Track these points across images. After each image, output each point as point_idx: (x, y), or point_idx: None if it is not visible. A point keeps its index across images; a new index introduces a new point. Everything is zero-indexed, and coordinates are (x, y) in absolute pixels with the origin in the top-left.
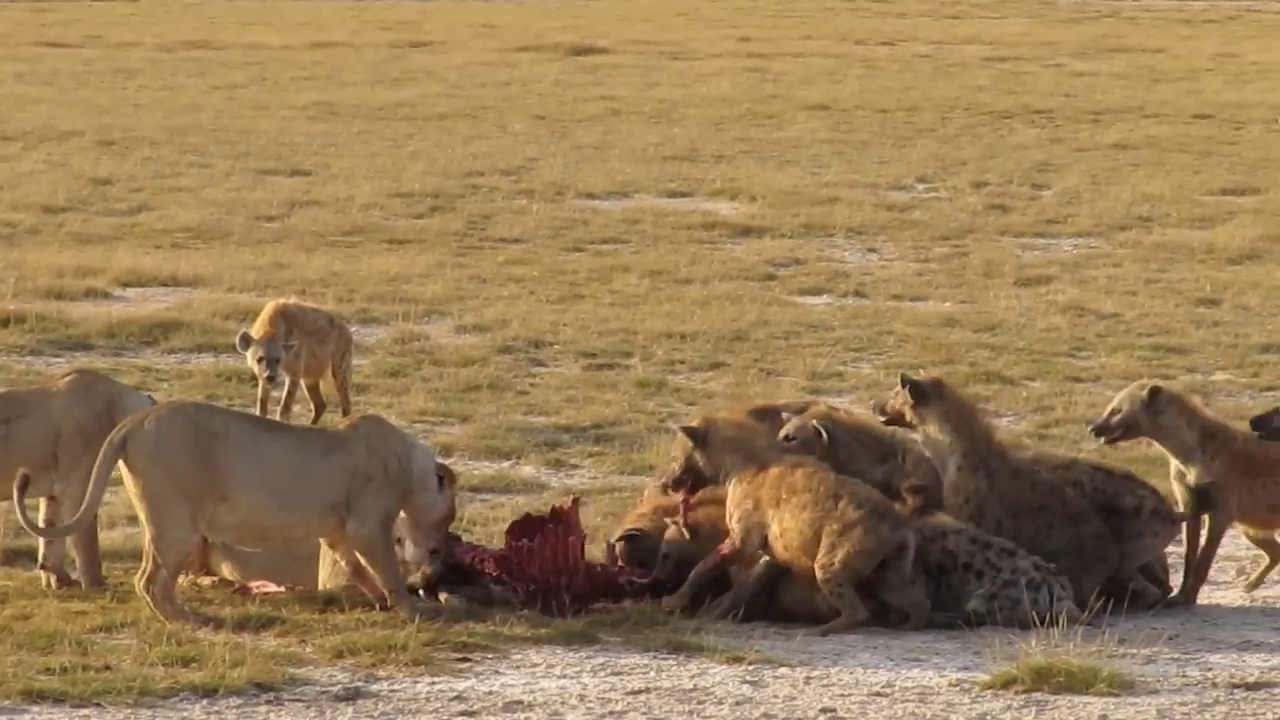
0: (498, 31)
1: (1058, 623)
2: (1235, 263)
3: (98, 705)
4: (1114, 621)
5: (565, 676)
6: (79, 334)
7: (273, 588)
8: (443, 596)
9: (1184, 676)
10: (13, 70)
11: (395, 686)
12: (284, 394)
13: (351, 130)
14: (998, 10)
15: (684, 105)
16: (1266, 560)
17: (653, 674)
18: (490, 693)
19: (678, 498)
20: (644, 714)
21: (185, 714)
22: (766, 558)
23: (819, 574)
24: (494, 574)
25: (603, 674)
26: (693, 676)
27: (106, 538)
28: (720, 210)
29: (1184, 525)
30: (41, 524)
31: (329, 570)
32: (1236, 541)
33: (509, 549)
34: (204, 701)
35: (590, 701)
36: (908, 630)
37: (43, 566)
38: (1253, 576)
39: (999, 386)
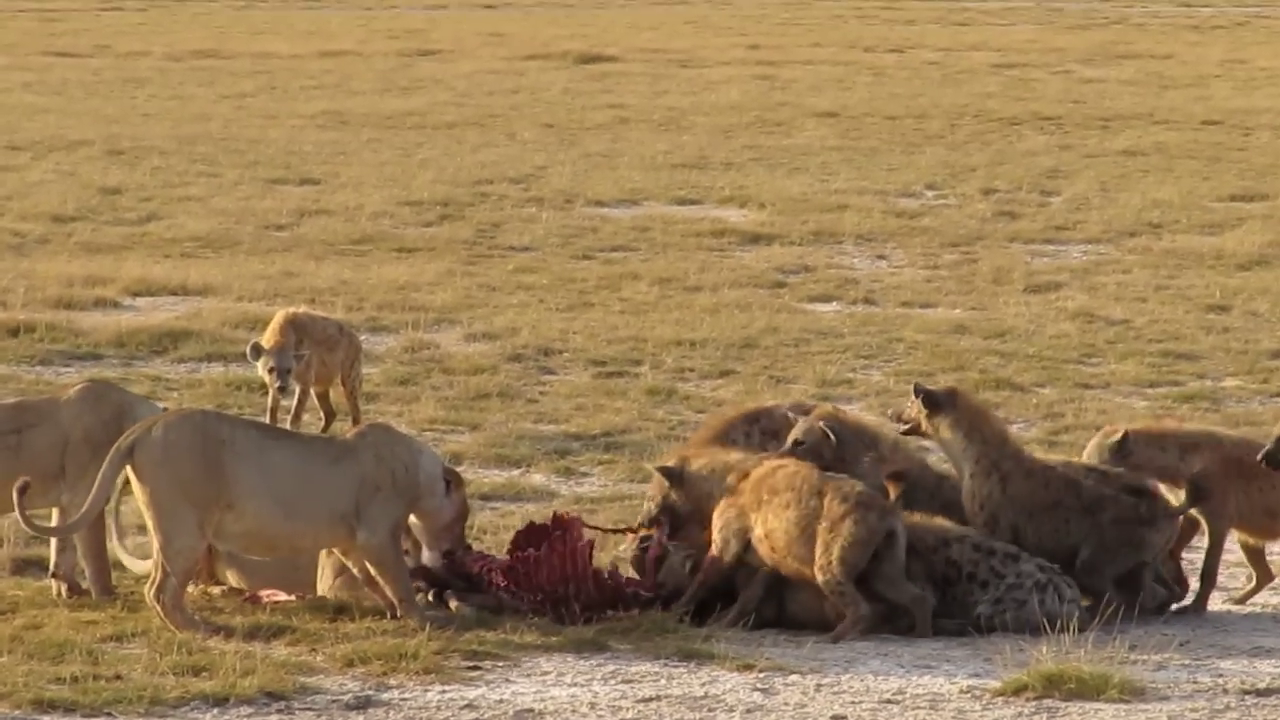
0: (506, 40)
1: (1068, 626)
2: (1245, 269)
3: (109, 715)
4: (1125, 628)
5: (576, 684)
6: (88, 343)
7: (283, 596)
8: (453, 604)
9: (1195, 683)
10: (21, 80)
11: (406, 695)
12: (294, 403)
13: (360, 139)
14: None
15: (693, 113)
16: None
17: (663, 682)
18: (501, 701)
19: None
20: None
21: None
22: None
23: (819, 577)
24: (501, 585)
25: (613, 682)
26: (703, 684)
27: (115, 547)
28: (729, 218)
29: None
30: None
31: (330, 579)
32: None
33: (515, 559)
34: (215, 710)
35: (601, 709)
36: (915, 630)
37: (53, 575)
38: (1240, 594)
39: (1009, 393)
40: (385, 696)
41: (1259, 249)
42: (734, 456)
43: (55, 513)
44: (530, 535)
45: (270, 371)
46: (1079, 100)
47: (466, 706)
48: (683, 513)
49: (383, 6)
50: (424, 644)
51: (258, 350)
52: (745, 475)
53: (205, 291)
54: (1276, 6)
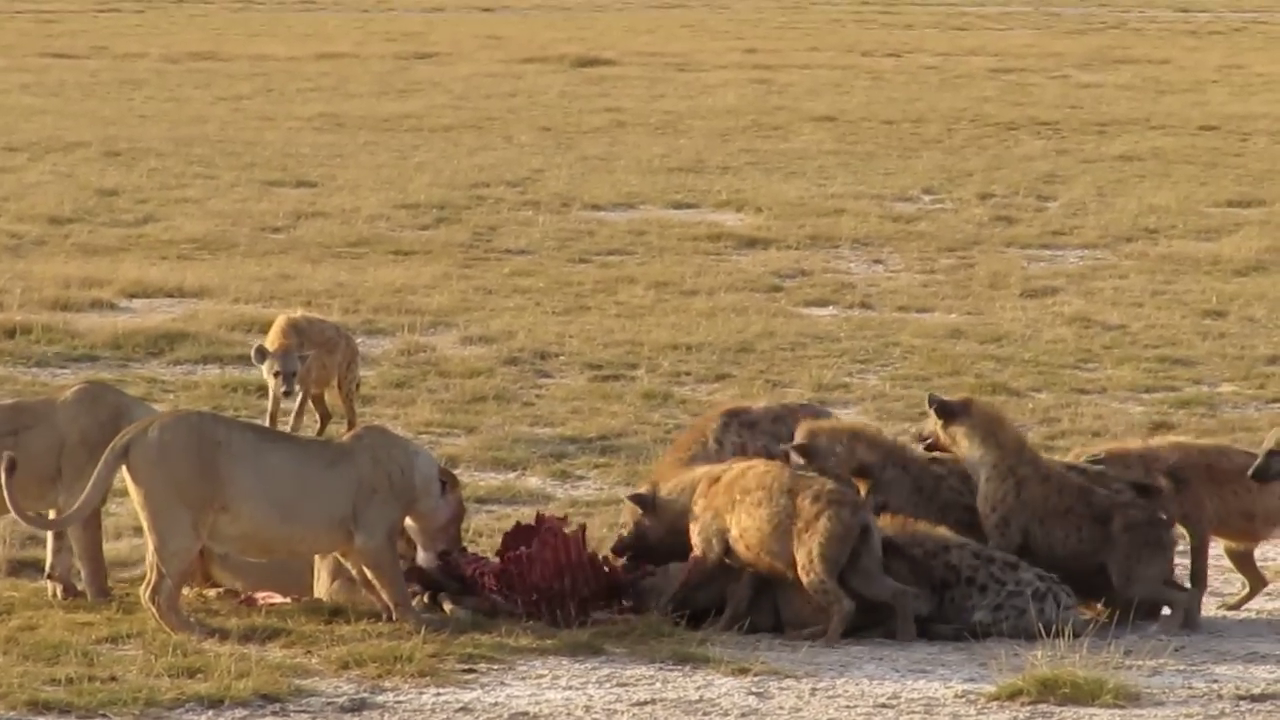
0: (503, 43)
1: (1064, 633)
2: (1241, 274)
3: (103, 716)
4: (1120, 633)
5: (571, 688)
6: (85, 345)
7: (278, 599)
8: (447, 607)
9: (1190, 688)
10: (19, 81)
11: (401, 698)
12: (295, 406)
13: (357, 141)
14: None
15: (690, 117)
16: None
17: (658, 685)
18: (496, 704)
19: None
20: None
21: None
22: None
23: (803, 578)
24: (494, 589)
25: (608, 685)
26: (698, 688)
27: (112, 549)
28: (726, 221)
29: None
30: (50, 536)
31: (326, 581)
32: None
33: (507, 561)
34: (210, 712)
35: (596, 713)
36: (900, 624)
37: (49, 577)
38: (1234, 600)
39: (1005, 398)
40: (380, 699)
41: (1255, 254)
42: (700, 470)
43: (52, 515)
44: (518, 536)
45: (276, 375)
46: (1076, 105)
47: (461, 709)
48: (655, 538)
49: (380, 9)
50: (419, 647)
51: (262, 354)
52: (716, 479)
53: (202, 293)
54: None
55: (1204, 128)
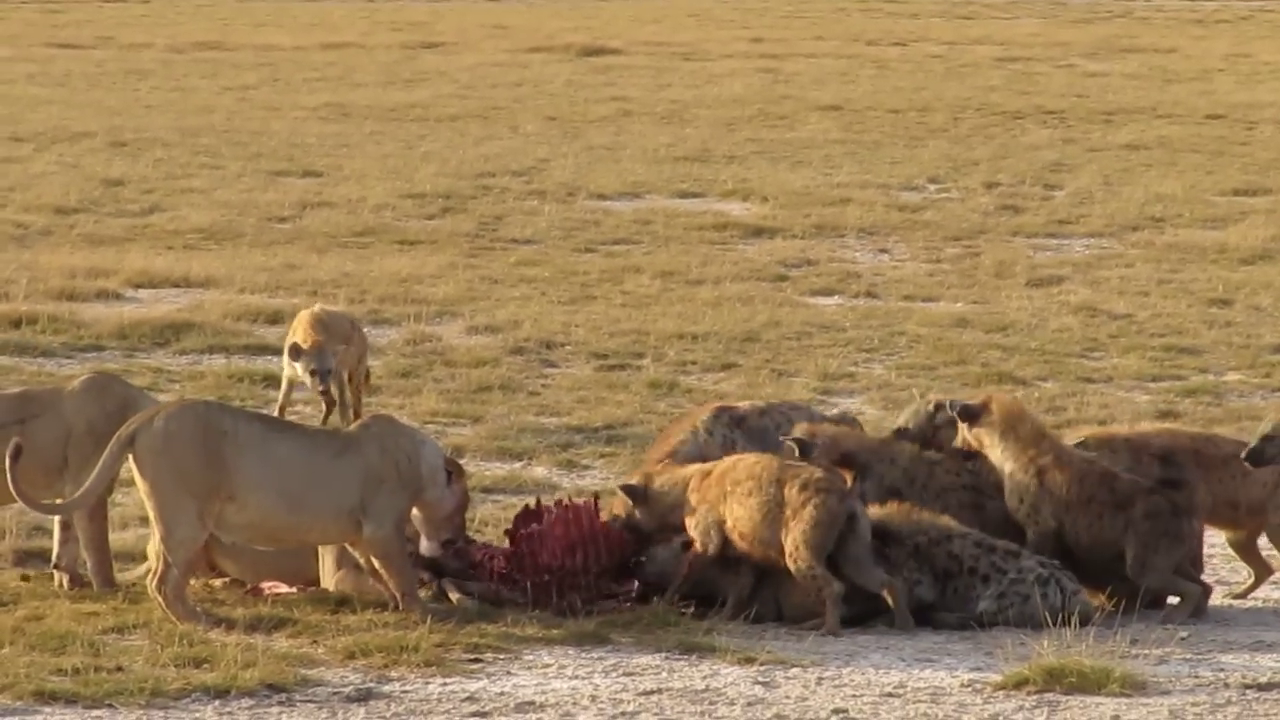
0: (509, 32)
1: (1070, 621)
2: (1248, 263)
3: (110, 706)
4: (1126, 622)
5: (577, 677)
6: (91, 335)
7: (284, 589)
8: (454, 597)
9: (1196, 677)
10: (25, 71)
11: (407, 687)
12: (336, 400)
13: (363, 131)
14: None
15: (696, 106)
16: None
17: (665, 675)
18: (502, 693)
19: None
20: (656, 715)
21: (197, 715)
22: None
23: (791, 566)
24: (504, 571)
25: (615, 675)
26: (705, 677)
27: (119, 539)
28: (732, 211)
29: None
30: (57, 527)
31: (331, 570)
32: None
33: (518, 541)
34: (216, 703)
35: (602, 702)
36: (896, 613)
37: (55, 567)
38: (1240, 589)
39: (1011, 387)
40: (386, 689)
41: (1262, 243)
42: (692, 466)
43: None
44: (529, 517)
45: (312, 374)
46: (1082, 94)
47: (468, 699)
48: (647, 530)
49: None
50: (425, 636)
51: (297, 351)
52: (709, 473)
53: (207, 284)
54: None
55: (1210, 116)
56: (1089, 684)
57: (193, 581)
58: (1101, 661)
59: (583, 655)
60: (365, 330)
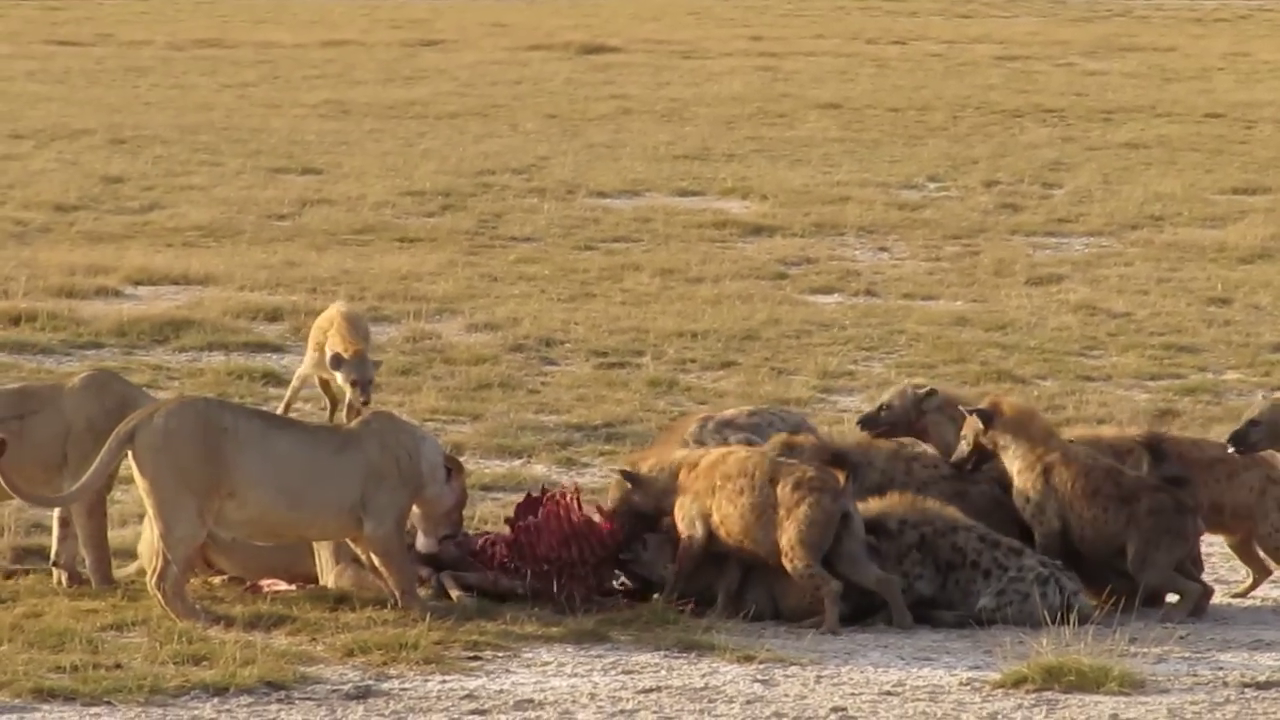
0: (509, 30)
1: (1069, 620)
2: (1247, 262)
3: (108, 703)
4: (1125, 620)
5: (576, 675)
6: (90, 332)
7: (283, 586)
8: (454, 594)
9: (1195, 676)
10: (24, 68)
11: (406, 685)
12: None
13: (363, 129)
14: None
15: (695, 104)
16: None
17: (664, 673)
18: (501, 691)
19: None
20: (655, 713)
21: (196, 712)
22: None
23: (787, 566)
24: (504, 560)
25: (614, 672)
26: (704, 675)
27: (118, 536)
28: (731, 209)
29: None
30: (55, 524)
31: (329, 566)
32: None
33: (517, 531)
34: (215, 700)
35: (601, 700)
36: (893, 609)
37: (54, 564)
38: (1240, 589)
39: (1010, 386)
40: (385, 686)
41: (1261, 242)
42: (680, 452)
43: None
44: (528, 506)
45: (353, 384)
46: (1082, 93)
47: (467, 697)
48: (646, 512)
49: None
50: (424, 634)
51: (339, 361)
52: (695, 465)
53: (207, 281)
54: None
55: (1209, 115)
56: (1088, 682)
57: (192, 579)
58: (1100, 660)
59: (582, 653)
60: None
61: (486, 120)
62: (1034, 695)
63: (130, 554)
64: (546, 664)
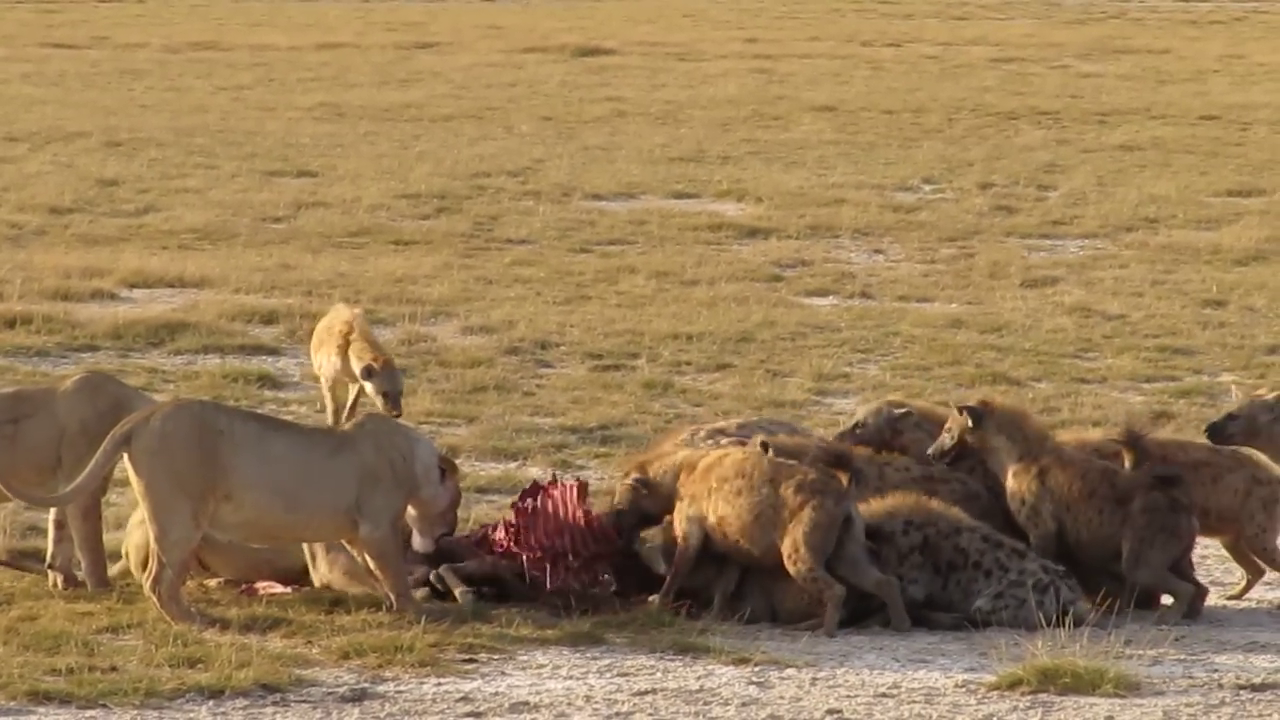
0: (504, 33)
1: (1064, 622)
2: (1242, 264)
3: (104, 706)
4: (1120, 622)
5: (571, 678)
6: (85, 335)
7: (279, 589)
8: (458, 592)
9: (1190, 678)
10: (19, 71)
11: (401, 688)
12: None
13: (358, 131)
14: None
15: (690, 106)
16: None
17: (659, 675)
18: (496, 694)
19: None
20: (650, 715)
21: (191, 715)
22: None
23: (790, 568)
24: (503, 545)
25: (609, 675)
26: (699, 678)
27: (113, 539)
28: (727, 211)
29: None
30: (51, 527)
31: (322, 566)
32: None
33: (519, 513)
34: (210, 703)
35: (596, 702)
36: (892, 613)
37: (50, 567)
38: (1235, 590)
39: (1005, 388)
40: (381, 689)
41: (1256, 244)
42: (682, 453)
43: (53, 509)
44: (533, 492)
45: (385, 396)
46: (1076, 95)
47: (462, 699)
48: (655, 515)
49: None
50: (420, 637)
51: (370, 372)
52: (693, 466)
53: (202, 283)
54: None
55: (1204, 117)
56: (1083, 684)
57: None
58: (1096, 662)
59: (577, 655)
60: None
61: (481, 123)
62: (1029, 697)
63: (124, 557)
64: (542, 666)
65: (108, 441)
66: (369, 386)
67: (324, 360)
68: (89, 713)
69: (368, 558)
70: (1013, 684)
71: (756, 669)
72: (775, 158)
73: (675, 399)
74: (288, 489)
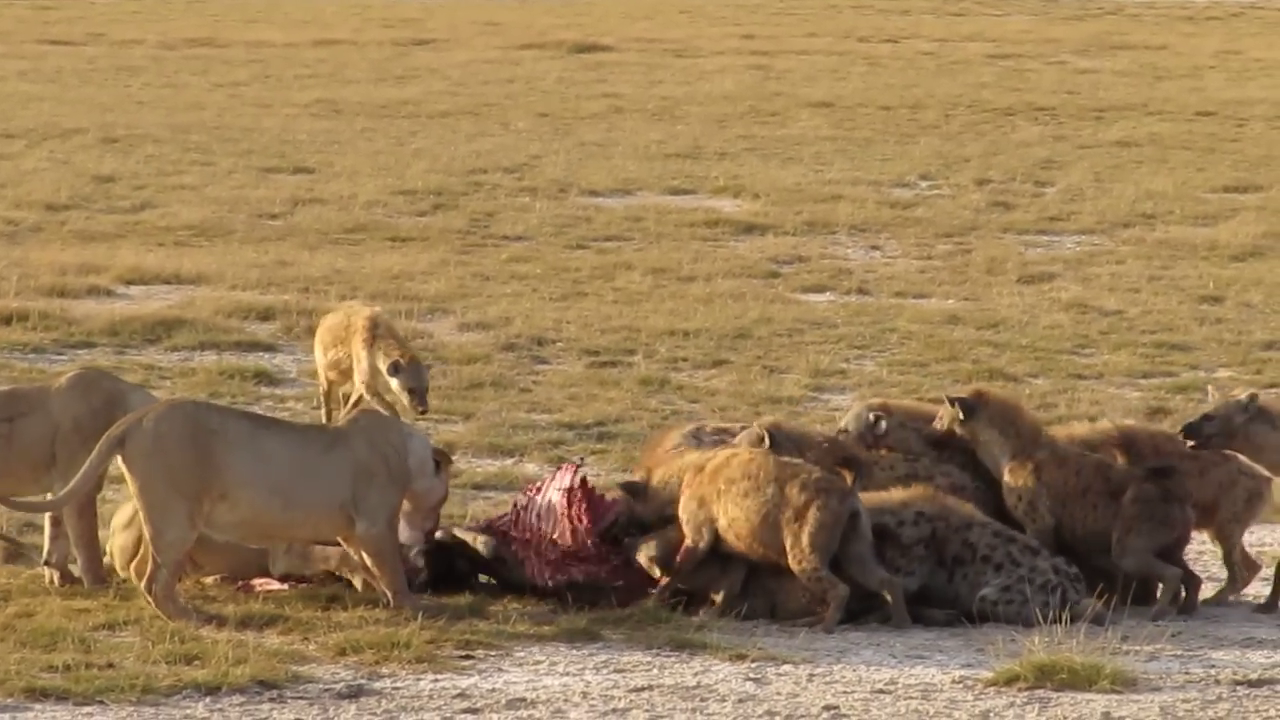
0: (501, 29)
1: (1061, 619)
2: (1238, 260)
3: (101, 703)
4: (1117, 618)
5: (568, 674)
6: (82, 332)
7: (275, 585)
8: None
9: (1187, 674)
10: (16, 68)
11: (398, 684)
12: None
13: (355, 128)
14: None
15: (687, 103)
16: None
17: (656, 671)
18: (493, 690)
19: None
20: (647, 711)
21: (188, 712)
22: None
23: (794, 567)
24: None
25: (606, 671)
26: (696, 674)
27: (109, 536)
28: (723, 208)
29: None
30: (47, 523)
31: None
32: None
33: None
34: (207, 699)
35: (593, 699)
36: (893, 610)
37: (46, 563)
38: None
39: (1002, 384)
40: (377, 685)
41: (1252, 240)
42: (689, 457)
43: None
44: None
45: (411, 392)
46: (1073, 91)
47: (459, 695)
48: (649, 523)
49: None
50: (416, 633)
51: (396, 368)
52: (701, 468)
53: (199, 280)
54: None
55: (1201, 113)
56: (1080, 680)
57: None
58: (1092, 658)
59: (574, 652)
60: None
61: (478, 119)
62: (1026, 693)
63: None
64: (539, 663)
65: (101, 443)
66: (394, 383)
67: (347, 357)
68: (86, 709)
69: (364, 555)
70: (1009, 680)
71: (753, 665)
72: (772, 154)
73: (672, 395)
74: (283, 487)
